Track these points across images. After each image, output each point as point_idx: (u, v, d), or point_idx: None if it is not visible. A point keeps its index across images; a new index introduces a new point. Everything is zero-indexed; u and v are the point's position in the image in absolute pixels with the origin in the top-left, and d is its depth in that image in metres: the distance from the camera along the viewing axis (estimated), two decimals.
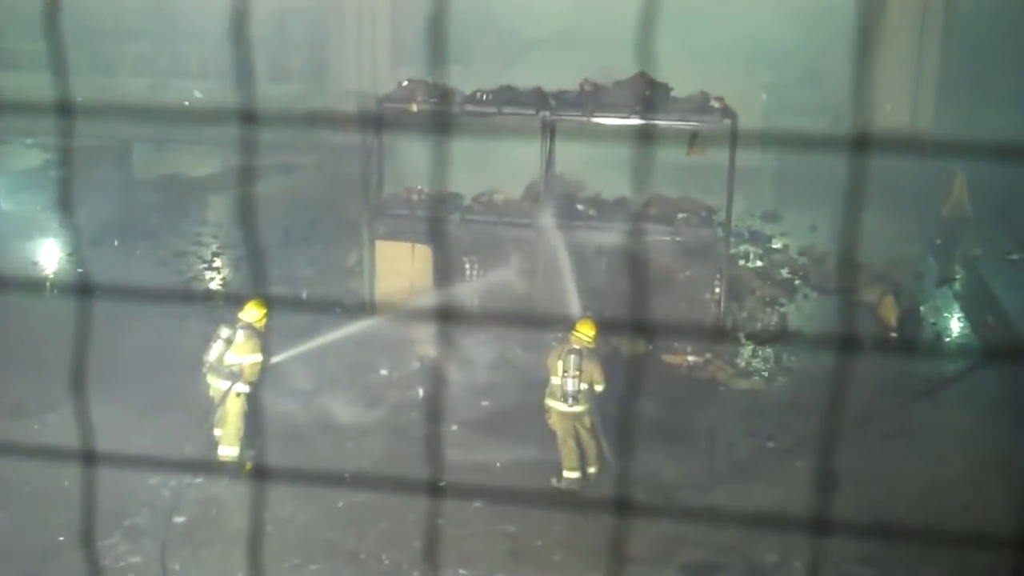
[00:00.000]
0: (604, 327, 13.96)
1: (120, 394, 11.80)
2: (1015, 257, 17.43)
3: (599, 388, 10.80)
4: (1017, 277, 16.58)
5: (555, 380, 10.84)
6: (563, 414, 10.84)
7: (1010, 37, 22.98)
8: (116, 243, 17.95)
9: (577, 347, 10.78)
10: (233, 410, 10.77)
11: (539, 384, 11.22)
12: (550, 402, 10.92)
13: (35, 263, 17.05)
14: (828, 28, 22.86)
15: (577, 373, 10.70)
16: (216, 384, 10.83)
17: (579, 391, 10.74)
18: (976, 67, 24.41)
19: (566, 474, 11.00)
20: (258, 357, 10.76)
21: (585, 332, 10.84)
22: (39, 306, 14.58)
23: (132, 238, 18.16)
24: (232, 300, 14.05)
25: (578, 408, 10.80)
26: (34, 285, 15.95)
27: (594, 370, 10.79)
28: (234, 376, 10.72)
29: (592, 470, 11.05)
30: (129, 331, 13.57)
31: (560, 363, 10.80)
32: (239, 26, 2.37)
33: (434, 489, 2.60)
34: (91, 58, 30.43)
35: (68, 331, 3.02)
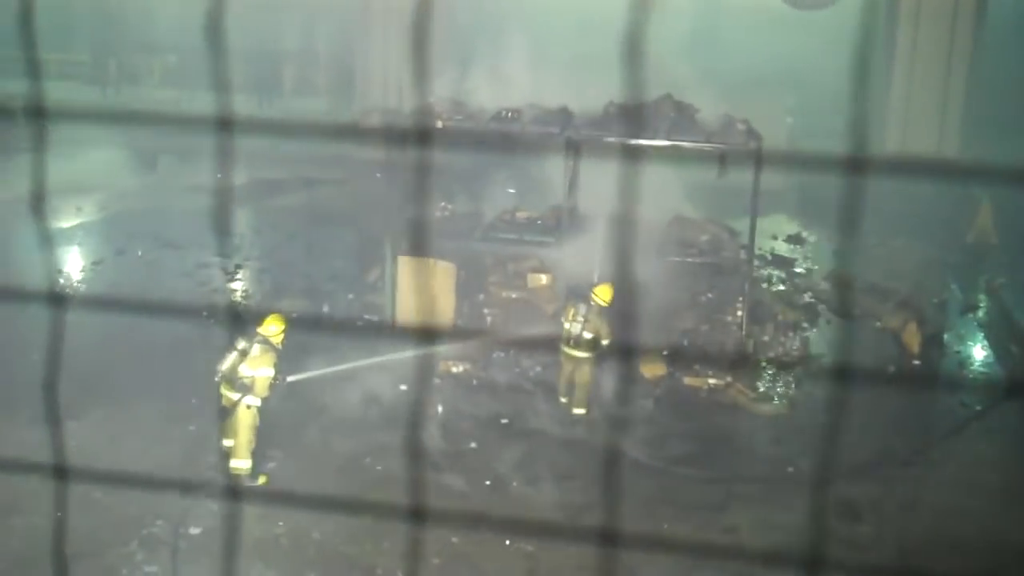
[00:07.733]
0: (626, 351, 13.94)
1: (145, 402, 11.88)
2: None
3: (605, 341, 11.93)
4: None
5: (566, 325, 12.12)
6: (566, 355, 12.12)
7: None
8: (140, 253, 18.08)
9: (592, 303, 11.97)
10: (244, 422, 10.78)
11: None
12: (562, 345, 12.16)
13: (60, 271, 17.11)
14: (853, 51, 22.77)
15: (582, 320, 11.92)
16: (228, 395, 10.86)
17: (581, 337, 11.94)
18: (1005, 94, 24.29)
19: (562, 398, 12.42)
20: (271, 372, 10.76)
21: (602, 294, 12.02)
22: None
23: (156, 249, 18.26)
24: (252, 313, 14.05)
25: (577, 353, 11.99)
26: (56, 296, 16.00)
27: (601, 325, 11.93)
28: (245, 388, 10.74)
29: (578, 411, 12.21)
30: (153, 339, 13.65)
31: (572, 310, 12.12)
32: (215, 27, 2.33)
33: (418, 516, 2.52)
34: (120, 69, 30.73)
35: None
